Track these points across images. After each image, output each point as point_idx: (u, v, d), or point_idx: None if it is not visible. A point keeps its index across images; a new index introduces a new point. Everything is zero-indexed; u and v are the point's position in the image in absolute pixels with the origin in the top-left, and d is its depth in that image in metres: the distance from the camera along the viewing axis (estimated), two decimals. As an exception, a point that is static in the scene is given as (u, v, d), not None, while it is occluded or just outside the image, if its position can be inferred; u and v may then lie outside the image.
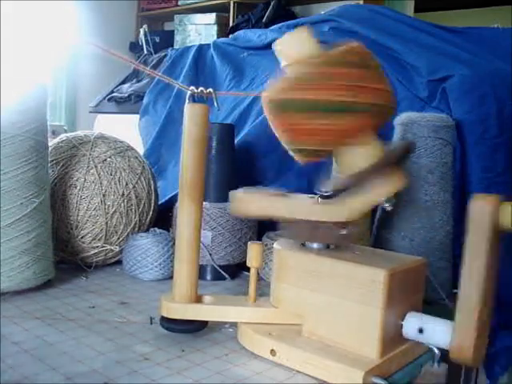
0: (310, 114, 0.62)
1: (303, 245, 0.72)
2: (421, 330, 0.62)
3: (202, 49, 1.64)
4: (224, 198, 1.02)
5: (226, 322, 0.77)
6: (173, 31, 3.60)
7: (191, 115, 0.70)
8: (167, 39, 3.51)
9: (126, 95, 1.78)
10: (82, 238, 1.00)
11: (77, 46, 3.19)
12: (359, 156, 0.65)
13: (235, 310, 0.71)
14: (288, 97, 0.63)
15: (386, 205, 0.66)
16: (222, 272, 1.00)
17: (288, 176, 1.18)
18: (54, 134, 1.59)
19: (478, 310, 0.56)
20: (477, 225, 0.57)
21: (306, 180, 1.10)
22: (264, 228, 1.07)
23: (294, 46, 0.65)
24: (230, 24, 3.24)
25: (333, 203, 0.65)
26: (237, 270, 1.04)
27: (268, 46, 1.35)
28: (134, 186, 1.05)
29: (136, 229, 1.06)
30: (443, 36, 1.31)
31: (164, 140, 1.53)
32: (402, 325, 0.64)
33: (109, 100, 1.85)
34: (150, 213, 1.10)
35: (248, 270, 0.74)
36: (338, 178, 0.69)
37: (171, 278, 0.75)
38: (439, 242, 0.96)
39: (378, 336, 0.62)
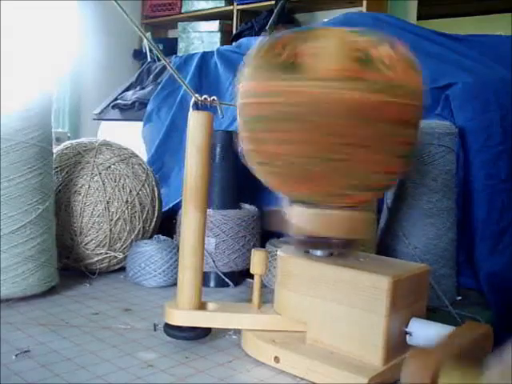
0: None
1: (307, 252, 0.72)
2: (425, 336, 0.62)
3: (205, 56, 1.65)
4: (228, 205, 1.02)
5: (229, 329, 0.77)
6: (176, 39, 3.62)
7: (195, 122, 0.71)
8: (171, 46, 3.53)
9: (130, 102, 1.79)
10: (85, 244, 1.01)
11: (81, 52, 3.22)
12: None
13: (239, 316, 0.71)
14: None
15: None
16: (226, 279, 1.00)
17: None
18: (58, 140, 1.60)
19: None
20: None
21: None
22: (267, 235, 1.07)
23: None
24: (234, 31, 3.26)
25: None
26: (240, 276, 1.04)
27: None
28: (138, 193, 1.05)
29: (140, 236, 1.06)
30: (446, 43, 1.31)
31: (167, 147, 1.53)
32: (405, 332, 0.64)
33: (113, 107, 1.85)
34: (154, 220, 1.10)
35: (252, 276, 0.74)
36: None
37: (175, 284, 0.75)
38: (443, 249, 0.96)
39: (382, 343, 0.61)
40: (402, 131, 0.62)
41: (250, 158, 0.67)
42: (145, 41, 0.84)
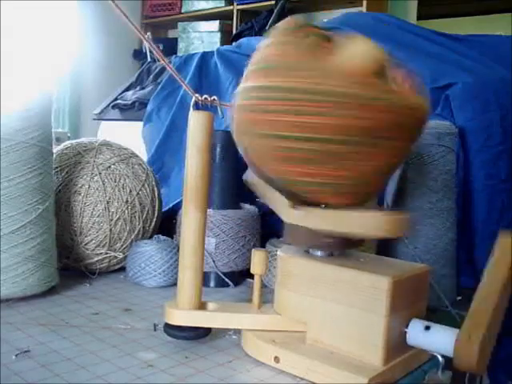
0: None
1: (307, 252, 0.72)
2: (425, 337, 0.62)
3: (205, 56, 1.65)
4: (228, 205, 1.02)
5: (229, 329, 0.77)
6: (176, 38, 3.62)
7: (196, 122, 0.71)
8: (171, 46, 3.53)
9: (130, 102, 1.79)
10: (85, 244, 1.01)
11: (81, 52, 3.22)
12: None
13: (239, 316, 0.71)
14: None
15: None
16: (226, 279, 1.00)
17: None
18: (58, 140, 1.60)
19: (489, 319, 0.56)
20: (500, 258, 0.62)
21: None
22: (267, 235, 1.07)
23: None
24: (234, 31, 3.26)
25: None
26: (240, 276, 1.04)
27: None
28: (138, 193, 1.05)
29: (140, 236, 1.06)
30: (446, 43, 1.31)
31: (167, 147, 1.53)
32: (405, 332, 0.64)
33: (113, 107, 1.85)
34: (154, 220, 1.10)
35: (252, 276, 0.74)
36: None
37: (175, 284, 0.75)
38: (443, 249, 0.96)
39: (382, 343, 0.61)
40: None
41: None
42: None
